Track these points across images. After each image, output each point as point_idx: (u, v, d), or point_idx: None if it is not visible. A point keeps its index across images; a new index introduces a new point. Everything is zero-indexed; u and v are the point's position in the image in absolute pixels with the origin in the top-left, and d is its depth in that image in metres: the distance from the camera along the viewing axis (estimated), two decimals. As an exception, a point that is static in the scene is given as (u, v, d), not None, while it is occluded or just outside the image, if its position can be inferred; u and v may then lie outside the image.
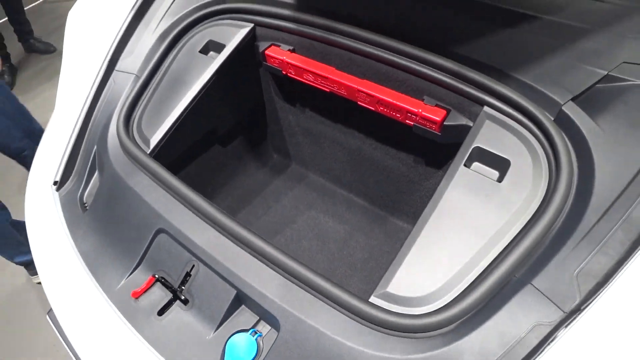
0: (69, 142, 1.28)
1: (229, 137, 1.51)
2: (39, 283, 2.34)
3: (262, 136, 1.62)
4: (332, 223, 1.45)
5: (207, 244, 0.94)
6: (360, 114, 1.17)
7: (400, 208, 1.39)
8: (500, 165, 0.91)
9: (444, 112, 1.02)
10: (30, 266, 2.43)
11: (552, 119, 0.90)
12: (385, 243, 1.39)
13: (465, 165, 0.91)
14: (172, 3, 1.42)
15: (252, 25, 1.27)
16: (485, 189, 0.88)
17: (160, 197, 1.04)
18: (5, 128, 2.26)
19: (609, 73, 0.91)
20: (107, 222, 1.10)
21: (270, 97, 1.47)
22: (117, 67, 1.35)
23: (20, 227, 2.28)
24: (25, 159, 2.41)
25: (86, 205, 1.21)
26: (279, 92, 1.44)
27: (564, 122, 0.89)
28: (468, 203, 0.87)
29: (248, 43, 1.28)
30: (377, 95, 1.07)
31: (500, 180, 0.89)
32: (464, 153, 0.92)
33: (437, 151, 1.14)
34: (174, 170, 1.32)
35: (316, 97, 1.23)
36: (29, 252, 2.29)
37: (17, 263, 2.37)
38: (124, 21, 1.40)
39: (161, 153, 1.17)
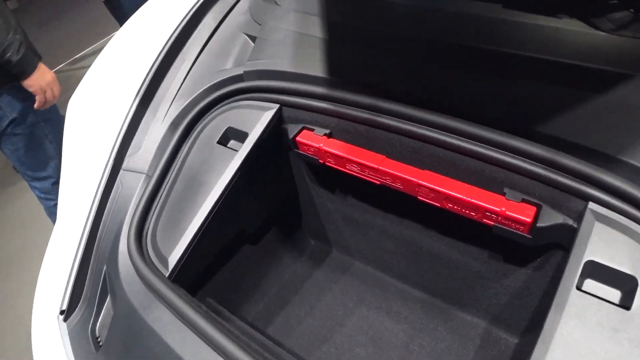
0: (74, 262, 1.09)
1: (259, 233, 1.30)
2: None
3: (296, 223, 1.41)
4: (387, 323, 1.22)
5: None
6: (417, 206, 0.96)
7: (469, 303, 1.16)
8: (624, 283, 0.68)
9: (534, 209, 0.80)
10: None
11: None
12: (454, 344, 1.16)
13: (577, 287, 0.69)
14: (181, 84, 1.24)
15: (277, 106, 1.07)
16: (610, 319, 0.65)
17: (186, 339, 0.84)
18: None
19: None
20: (125, 367, 0.90)
21: (304, 182, 1.26)
22: (124, 166, 1.17)
23: None
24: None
25: (99, 340, 1.01)
26: (315, 179, 1.23)
27: None
28: (591, 341, 0.64)
29: (274, 127, 1.08)
30: (445, 191, 0.86)
31: (627, 305, 0.66)
32: (574, 271, 0.69)
33: (523, 250, 0.91)
34: (199, 284, 1.12)
35: (361, 186, 1.03)
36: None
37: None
38: (129, 110, 1.22)
39: (183, 272, 0.97)
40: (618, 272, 0.68)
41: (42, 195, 2.40)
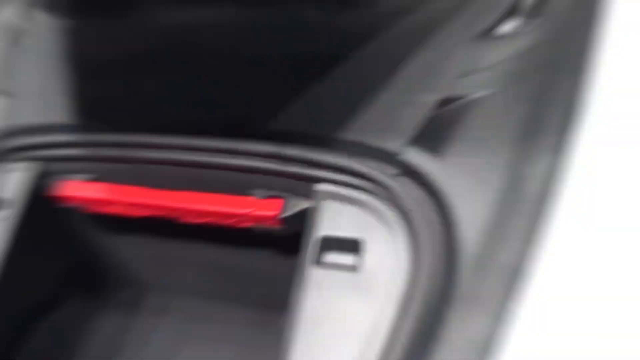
0: None
1: (61, 297, 1.23)
2: None
3: (102, 275, 1.34)
4: (216, 347, 1.21)
5: None
6: (197, 228, 0.97)
7: (283, 303, 1.19)
8: (353, 247, 0.75)
9: (280, 202, 0.86)
10: None
11: (395, 173, 0.76)
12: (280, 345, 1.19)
13: (315, 262, 0.76)
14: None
15: (34, 163, 1.03)
16: (344, 283, 0.72)
17: None
18: None
19: (442, 97, 0.76)
20: None
21: (93, 233, 1.21)
22: None
23: None
24: None
25: None
26: (101, 227, 1.19)
27: (409, 173, 0.74)
28: (331, 306, 0.72)
29: (38, 185, 1.03)
30: (196, 207, 0.89)
31: (355, 264, 0.73)
32: (312, 249, 0.77)
33: (294, 240, 0.96)
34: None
35: (143, 223, 1.02)
36: None
37: None
38: None
39: None
40: (346, 239, 0.75)
41: None
